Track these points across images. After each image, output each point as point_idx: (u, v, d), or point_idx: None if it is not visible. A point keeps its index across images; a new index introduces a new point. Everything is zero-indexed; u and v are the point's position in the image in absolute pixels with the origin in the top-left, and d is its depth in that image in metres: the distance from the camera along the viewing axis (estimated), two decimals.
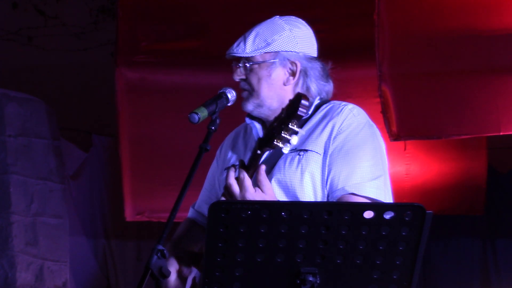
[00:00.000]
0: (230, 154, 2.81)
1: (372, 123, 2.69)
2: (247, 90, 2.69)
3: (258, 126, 2.73)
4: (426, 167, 5.89)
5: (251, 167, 2.48)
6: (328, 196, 2.61)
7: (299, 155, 2.60)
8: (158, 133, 5.54)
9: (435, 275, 7.02)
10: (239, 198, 2.44)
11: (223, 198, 2.49)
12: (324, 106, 2.71)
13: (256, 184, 2.47)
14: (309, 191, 2.59)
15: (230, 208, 2.17)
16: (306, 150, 2.58)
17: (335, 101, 2.72)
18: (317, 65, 2.71)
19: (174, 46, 5.56)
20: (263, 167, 2.49)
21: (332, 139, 2.60)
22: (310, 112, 2.68)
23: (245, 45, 2.66)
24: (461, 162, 6.13)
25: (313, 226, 2.16)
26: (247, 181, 2.46)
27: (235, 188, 2.46)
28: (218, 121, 2.58)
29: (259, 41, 2.66)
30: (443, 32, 4.76)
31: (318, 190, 2.60)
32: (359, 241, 2.16)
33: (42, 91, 6.62)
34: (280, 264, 2.19)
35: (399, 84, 4.83)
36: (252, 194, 2.45)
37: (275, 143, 2.41)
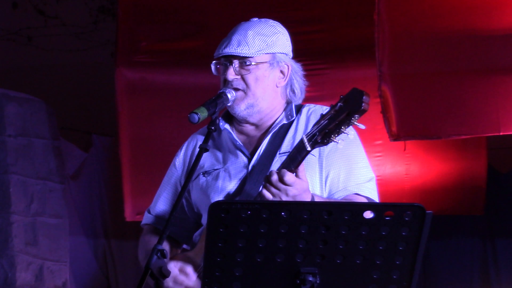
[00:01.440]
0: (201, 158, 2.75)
1: None
2: (241, 90, 2.68)
3: (231, 129, 2.74)
4: (426, 167, 5.88)
5: (292, 165, 2.43)
6: (327, 197, 2.63)
7: None
8: (158, 133, 5.53)
9: (435, 275, 7.02)
10: (293, 193, 2.40)
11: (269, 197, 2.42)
12: (307, 109, 2.74)
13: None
14: None
15: (230, 208, 2.17)
16: None
17: (310, 104, 2.75)
18: (300, 67, 2.76)
19: (174, 46, 5.56)
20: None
21: None
22: (294, 115, 2.71)
23: (248, 45, 2.66)
24: (461, 162, 6.12)
25: (313, 226, 2.16)
26: (292, 176, 2.41)
27: (292, 189, 2.40)
28: (218, 121, 2.58)
29: (258, 42, 2.67)
30: (443, 32, 4.76)
31: (316, 191, 2.62)
32: (359, 241, 2.17)
33: (42, 91, 6.62)
34: (280, 264, 2.19)
35: (399, 84, 4.82)
36: (300, 183, 2.41)
37: (331, 138, 2.39)
